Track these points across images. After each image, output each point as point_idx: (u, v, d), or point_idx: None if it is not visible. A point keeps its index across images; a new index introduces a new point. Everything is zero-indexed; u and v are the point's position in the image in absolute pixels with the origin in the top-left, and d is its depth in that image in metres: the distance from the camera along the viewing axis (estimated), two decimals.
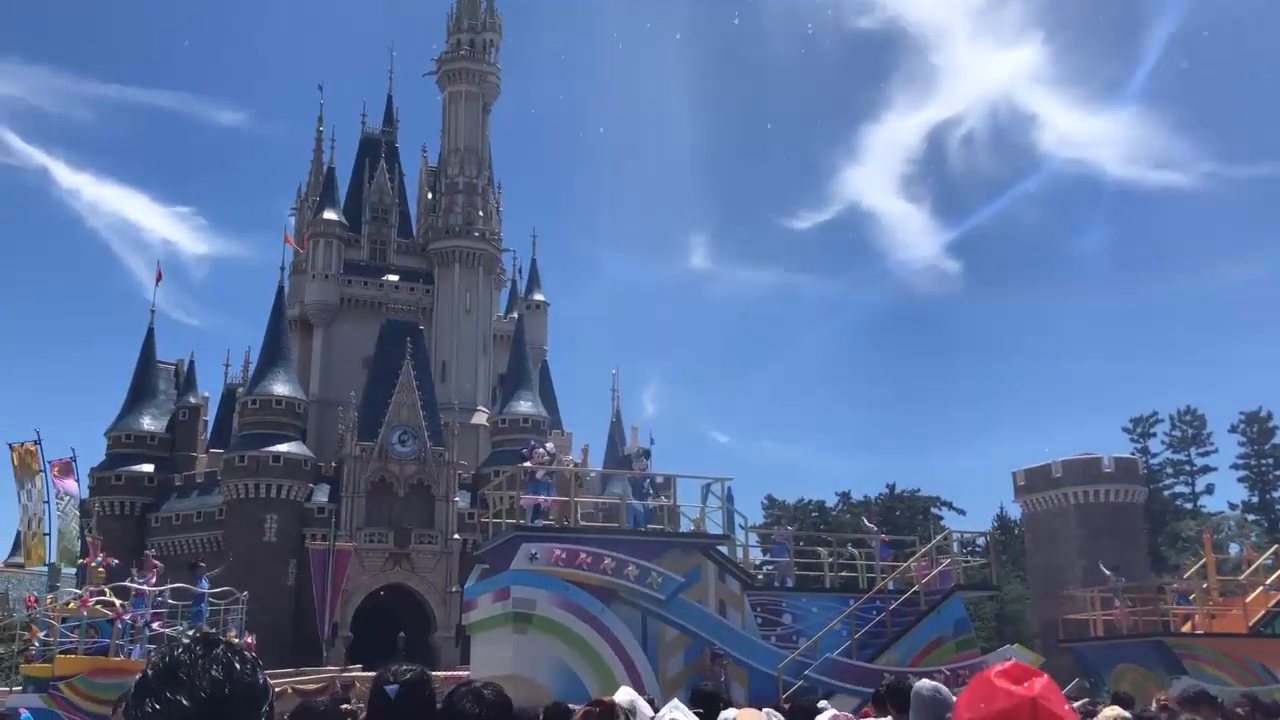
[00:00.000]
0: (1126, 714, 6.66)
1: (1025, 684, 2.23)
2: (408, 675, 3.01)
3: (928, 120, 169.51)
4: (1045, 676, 2.28)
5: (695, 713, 5.60)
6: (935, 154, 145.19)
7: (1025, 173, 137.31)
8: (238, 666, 1.79)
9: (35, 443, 24.76)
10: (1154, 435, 71.27)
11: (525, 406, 63.38)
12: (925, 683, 4.90)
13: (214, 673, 1.76)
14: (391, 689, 2.96)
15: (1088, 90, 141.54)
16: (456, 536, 57.25)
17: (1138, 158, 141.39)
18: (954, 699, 5.00)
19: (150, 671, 1.79)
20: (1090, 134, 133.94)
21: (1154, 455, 70.54)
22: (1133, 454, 64.65)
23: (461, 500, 58.95)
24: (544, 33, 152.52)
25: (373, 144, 74.27)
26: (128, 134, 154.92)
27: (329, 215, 68.55)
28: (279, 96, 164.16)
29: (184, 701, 1.72)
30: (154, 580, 21.46)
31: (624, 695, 6.44)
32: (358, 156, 74.31)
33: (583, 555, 17.65)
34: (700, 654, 17.88)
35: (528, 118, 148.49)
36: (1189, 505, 69.35)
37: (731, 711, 5.23)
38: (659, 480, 20.41)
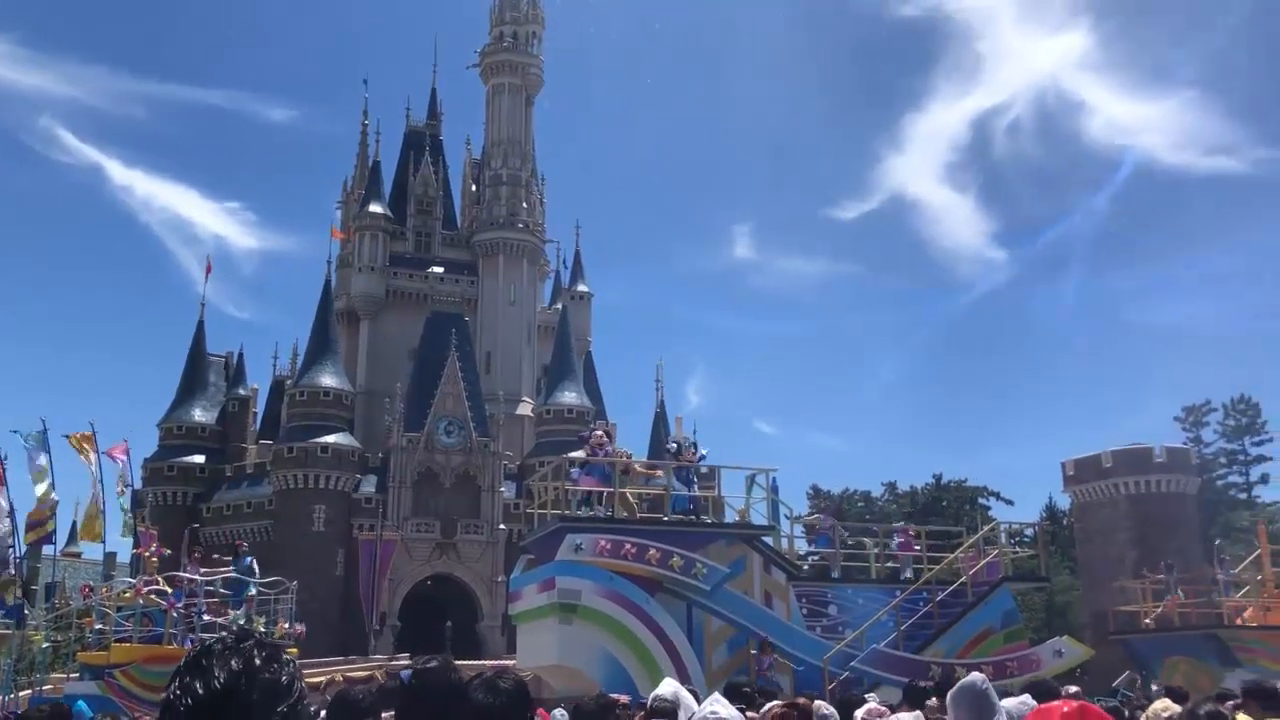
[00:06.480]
0: (1177, 707, 6.52)
1: None
2: (428, 663, 3.08)
3: (973, 108, 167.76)
4: None
5: (738, 708, 5.55)
6: (981, 142, 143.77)
7: (1072, 160, 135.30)
8: (258, 662, 1.83)
9: (91, 434, 25.13)
10: (1207, 425, 70.02)
11: (570, 397, 63.58)
12: (976, 675, 4.73)
13: (233, 664, 1.81)
14: (405, 674, 3.07)
15: (1136, 76, 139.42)
16: (502, 527, 57.62)
17: (1188, 144, 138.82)
18: (1000, 704, 4.86)
19: (187, 658, 1.87)
20: (1139, 120, 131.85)
21: (1207, 445, 69.26)
22: (1185, 444, 63.52)
23: (507, 491, 59.25)
24: (587, 22, 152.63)
25: (417, 137, 74.75)
26: (179, 132, 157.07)
27: (374, 208, 69.10)
28: (326, 92, 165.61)
29: (198, 689, 1.78)
30: (193, 569, 21.69)
31: (668, 687, 6.41)
32: (402, 150, 74.83)
33: (628, 546, 17.65)
34: (746, 644, 17.83)
35: (571, 108, 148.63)
36: (1243, 495, 68.10)
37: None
38: (703, 470, 20.34)
